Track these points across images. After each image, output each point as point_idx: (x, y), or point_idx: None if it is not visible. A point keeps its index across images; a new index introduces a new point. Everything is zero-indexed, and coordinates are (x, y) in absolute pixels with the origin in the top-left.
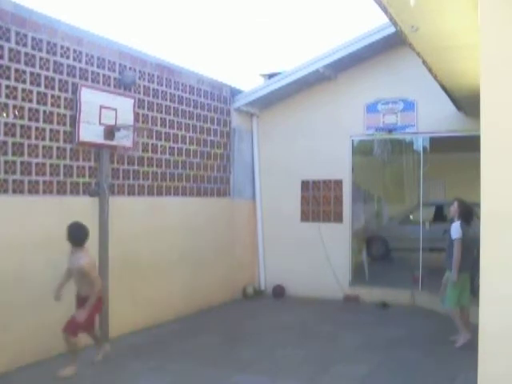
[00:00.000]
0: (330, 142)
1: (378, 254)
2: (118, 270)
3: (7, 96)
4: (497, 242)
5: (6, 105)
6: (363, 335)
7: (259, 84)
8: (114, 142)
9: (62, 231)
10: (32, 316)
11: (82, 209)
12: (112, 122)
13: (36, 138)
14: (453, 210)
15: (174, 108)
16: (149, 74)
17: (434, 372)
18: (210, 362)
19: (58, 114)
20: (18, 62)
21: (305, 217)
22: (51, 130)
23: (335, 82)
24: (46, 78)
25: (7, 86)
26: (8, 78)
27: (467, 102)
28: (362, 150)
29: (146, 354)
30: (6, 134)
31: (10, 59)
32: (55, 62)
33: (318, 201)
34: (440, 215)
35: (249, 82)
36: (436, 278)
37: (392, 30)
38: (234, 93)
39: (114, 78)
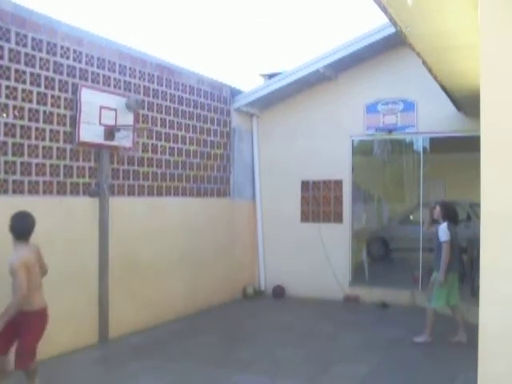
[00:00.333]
0: (330, 142)
1: (377, 254)
2: (117, 270)
3: (7, 96)
4: (497, 242)
5: (6, 105)
6: (363, 335)
7: (259, 84)
8: (114, 143)
9: (62, 232)
10: None
11: (82, 209)
12: (112, 123)
13: (36, 138)
14: (436, 213)
15: (174, 108)
16: (149, 75)
17: (434, 372)
18: (210, 362)
19: (58, 115)
20: (18, 62)
21: (305, 217)
22: (51, 131)
23: (335, 82)
24: (46, 78)
25: (7, 87)
26: (8, 78)
27: (467, 102)
28: (362, 150)
29: (146, 354)
30: (6, 134)
31: (10, 60)
32: (55, 63)
33: (318, 201)
34: None
35: (249, 82)
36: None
37: (392, 30)
38: (234, 93)
39: (114, 79)
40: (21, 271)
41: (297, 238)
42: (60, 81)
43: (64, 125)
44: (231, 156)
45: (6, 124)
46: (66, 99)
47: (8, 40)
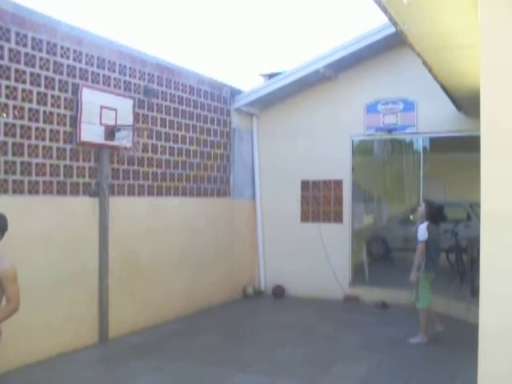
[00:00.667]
0: (329, 142)
1: (377, 254)
2: (117, 270)
3: (7, 96)
4: (497, 242)
5: (6, 105)
6: (363, 335)
7: (259, 84)
8: (114, 142)
9: (62, 232)
10: (32, 316)
11: (82, 209)
12: (112, 122)
13: (36, 138)
14: (420, 211)
15: (174, 108)
16: (149, 74)
17: (434, 372)
18: (210, 362)
19: (58, 115)
20: (18, 62)
21: (305, 217)
22: (51, 131)
23: (335, 82)
24: (46, 78)
25: (7, 87)
26: (8, 78)
27: (467, 102)
28: (362, 150)
29: (146, 354)
30: (6, 134)
31: (10, 59)
32: (55, 63)
33: (318, 201)
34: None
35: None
36: (436, 278)
37: (392, 30)
38: (234, 93)
39: (114, 78)
40: (16, 279)
41: (297, 238)
42: (60, 81)
43: (64, 125)
44: (231, 156)
45: (6, 124)
46: (66, 99)
47: (8, 40)
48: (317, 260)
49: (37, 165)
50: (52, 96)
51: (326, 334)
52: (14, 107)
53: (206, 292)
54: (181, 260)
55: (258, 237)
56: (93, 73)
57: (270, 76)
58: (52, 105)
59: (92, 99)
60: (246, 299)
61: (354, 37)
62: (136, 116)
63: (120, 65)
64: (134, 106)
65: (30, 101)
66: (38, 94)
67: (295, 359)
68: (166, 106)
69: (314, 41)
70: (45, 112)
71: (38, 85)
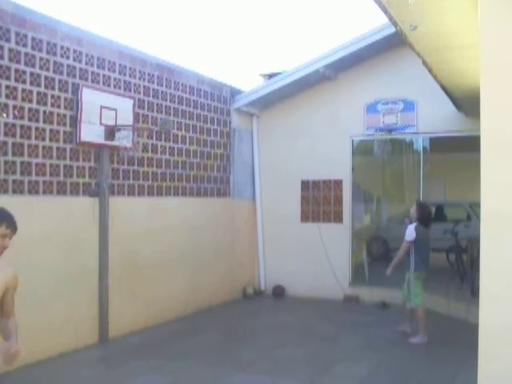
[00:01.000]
0: (330, 142)
1: (378, 253)
2: (117, 270)
3: (7, 96)
4: (497, 242)
5: (6, 105)
6: (363, 335)
7: (259, 84)
8: (114, 142)
9: (62, 232)
10: (32, 316)
11: (82, 209)
12: (112, 122)
13: (36, 138)
14: (412, 212)
15: (173, 108)
16: (149, 74)
17: (434, 372)
18: (210, 362)
19: (58, 115)
20: (18, 62)
21: (305, 217)
22: (51, 131)
23: (335, 82)
24: (46, 78)
25: (7, 86)
26: (8, 78)
27: (467, 102)
28: (362, 150)
29: (146, 354)
30: (5, 134)
31: (10, 59)
32: (55, 63)
33: (318, 201)
34: (440, 215)
35: (249, 82)
36: (436, 278)
37: (392, 30)
38: (234, 93)
39: (114, 78)
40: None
41: (297, 238)
42: (60, 81)
43: (64, 125)
44: (231, 156)
45: (6, 124)
46: (66, 99)
47: (8, 40)
48: (317, 260)
49: (37, 165)
50: (52, 96)
51: (325, 334)
52: (14, 107)
53: (206, 292)
54: (181, 260)
55: (258, 237)
56: (93, 73)
57: (270, 76)
58: (52, 105)
59: (92, 99)
60: (246, 299)
61: (354, 37)
62: (136, 116)
63: (120, 65)
64: (134, 105)
65: (30, 101)
66: (38, 94)
67: (295, 359)
68: (165, 106)
69: (314, 41)
70: (45, 112)
71: (38, 85)
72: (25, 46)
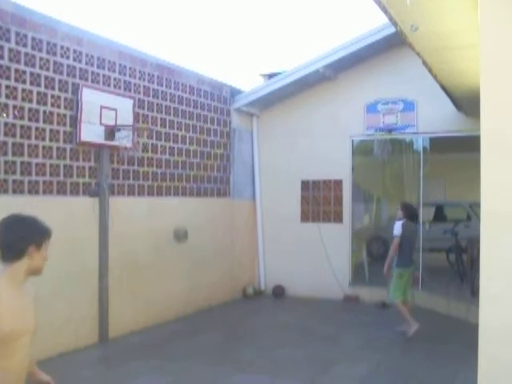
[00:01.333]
0: (330, 142)
1: (378, 253)
2: (117, 270)
3: (7, 96)
4: (497, 242)
5: (6, 105)
6: (363, 335)
7: (259, 84)
8: (114, 142)
9: (62, 231)
10: None
11: (82, 209)
12: (112, 122)
13: (36, 138)
14: (399, 213)
15: (173, 108)
16: (149, 74)
17: (434, 372)
18: (210, 362)
19: (58, 114)
20: (18, 62)
21: (305, 217)
22: (51, 130)
23: (335, 82)
24: (46, 78)
25: (7, 86)
26: (8, 78)
27: (467, 102)
28: (362, 150)
29: (146, 354)
30: (6, 134)
31: (10, 59)
32: (55, 62)
33: (318, 201)
34: (440, 215)
35: (249, 82)
36: (436, 278)
37: (392, 30)
38: (234, 93)
39: (114, 78)
40: None
41: (297, 238)
42: (60, 81)
43: (64, 125)
44: (231, 156)
45: (6, 124)
46: (66, 99)
47: (8, 40)
48: (317, 260)
49: (37, 165)
50: (52, 96)
51: (325, 334)
52: (14, 107)
53: (206, 292)
54: (181, 260)
55: (258, 237)
56: (93, 73)
57: (270, 76)
58: (52, 105)
59: (92, 99)
60: (246, 299)
61: (354, 37)
62: (136, 116)
63: (120, 65)
64: (133, 105)
65: (30, 101)
66: (38, 93)
67: (295, 359)
68: (165, 106)
69: (314, 41)
70: (45, 112)
71: (38, 85)
72: (25, 46)
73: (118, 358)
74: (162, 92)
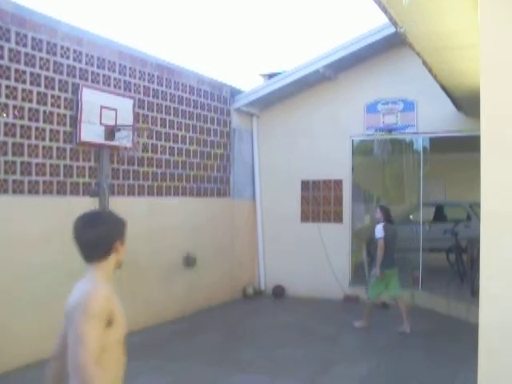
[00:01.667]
0: (329, 142)
1: None
2: (117, 270)
3: (7, 96)
4: (497, 242)
5: (6, 105)
6: (363, 335)
7: (259, 84)
8: (114, 142)
9: (62, 231)
10: (32, 316)
11: (82, 209)
12: (112, 122)
13: (36, 138)
14: (378, 216)
15: (173, 108)
16: (149, 74)
17: (433, 372)
18: (210, 362)
19: (58, 114)
20: (18, 62)
21: (305, 217)
22: (51, 130)
23: (335, 82)
24: (46, 78)
25: (7, 86)
26: (8, 78)
27: (467, 102)
28: (362, 150)
29: (145, 354)
30: (6, 134)
31: (10, 59)
32: (55, 62)
33: (318, 201)
34: (440, 215)
35: (249, 82)
36: (436, 278)
37: (392, 30)
38: (234, 93)
39: (114, 78)
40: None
41: (297, 238)
42: (60, 81)
43: (64, 125)
44: (231, 156)
45: (6, 124)
46: (66, 99)
47: (8, 40)
48: (317, 260)
49: (37, 165)
50: (52, 96)
51: (325, 334)
52: (14, 107)
53: (206, 292)
54: (181, 260)
55: (258, 237)
56: (93, 73)
57: (270, 76)
58: (52, 105)
59: (92, 99)
60: (246, 299)
61: (354, 37)
62: (136, 116)
63: (120, 65)
64: (133, 105)
65: (30, 101)
66: (38, 93)
67: (295, 359)
68: (166, 106)
69: (314, 41)
70: (45, 112)
71: (38, 85)
72: (25, 46)
73: None
74: (162, 92)
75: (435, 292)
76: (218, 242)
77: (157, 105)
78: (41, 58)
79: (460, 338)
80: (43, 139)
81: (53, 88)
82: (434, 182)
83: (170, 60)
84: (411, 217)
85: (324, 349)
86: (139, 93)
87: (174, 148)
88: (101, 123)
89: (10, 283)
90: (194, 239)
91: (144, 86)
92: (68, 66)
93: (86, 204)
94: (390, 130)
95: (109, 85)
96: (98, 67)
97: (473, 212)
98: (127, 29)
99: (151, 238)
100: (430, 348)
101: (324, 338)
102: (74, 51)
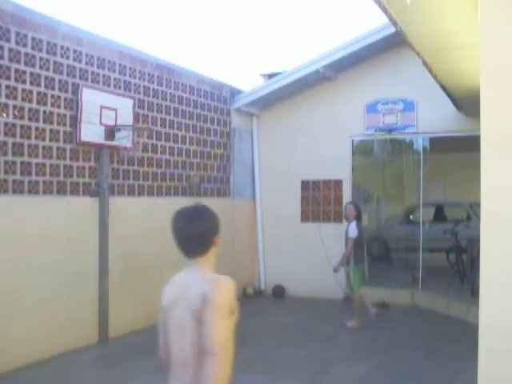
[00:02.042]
0: (329, 142)
1: (377, 254)
2: (117, 269)
3: (7, 96)
4: (497, 242)
5: (6, 105)
6: (363, 335)
7: (259, 84)
8: (114, 142)
9: (62, 231)
10: (32, 316)
11: (82, 209)
12: (112, 122)
13: (36, 138)
14: (350, 212)
15: (173, 108)
16: (149, 74)
17: (433, 372)
18: None
19: (58, 114)
20: (18, 62)
21: (305, 217)
22: (51, 130)
23: (335, 82)
24: (46, 78)
25: (7, 86)
26: (8, 78)
27: (467, 102)
28: (362, 150)
29: (146, 354)
30: (6, 134)
31: (10, 59)
32: (55, 62)
33: (318, 201)
34: (440, 215)
35: (249, 82)
36: (436, 278)
37: (392, 30)
38: (234, 93)
39: (114, 78)
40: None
41: (297, 238)
42: (60, 81)
43: (64, 125)
44: (231, 156)
45: (6, 124)
46: (66, 99)
47: (8, 40)
48: (317, 260)
49: (37, 165)
50: (52, 96)
51: (325, 334)
52: (14, 107)
53: None
54: (181, 260)
55: (258, 237)
56: (93, 73)
57: (270, 76)
58: (52, 105)
59: (92, 99)
60: (245, 299)
61: (354, 37)
62: (136, 116)
63: (120, 65)
64: (133, 105)
65: (30, 101)
66: (38, 94)
67: (295, 359)
68: (166, 106)
69: (314, 41)
70: (45, 112)
71: (38, 85)
72: (25, 46)
73: (117, 358)
74: (162, 92)
75: (435, 292)
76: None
77: (157, 105)
78: (41, 58)
79: (460, 338)
80: (43, 139)
81: (53, 88)
82: (434, 182)
83: (170, 60)
84: (411, 217)
85: (324, 349)
86: (139, 93)
87: (173, 148)
88: (101, 123)
89: (10, 283)
90: None
91: (144, 86)
92: (68, 66)
93: (86, 204)
94: (390, 130)
95: (109, 85)
96: (98, 67)
97: (473, 212)
98: (127, 29)
99: (151, 238)
100: (429, 348)
101: (324, 337)
102: (74, 51)
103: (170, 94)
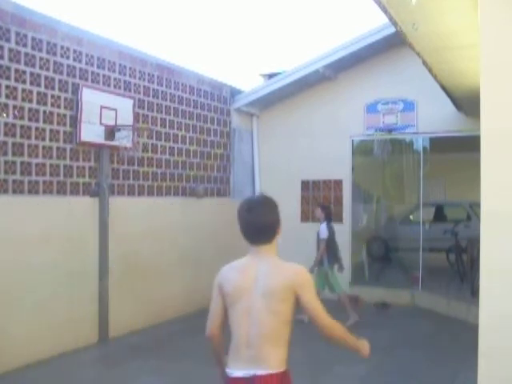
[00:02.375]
0: (329, 142)
1: (377, 254)
2: (117, 269)
3: (7, 96)
4: (497, 242)
5: (6, 105)
6: (363, 335)
7: (259, 84)
8: (114, 142)
9: (62, 231)
10: (32, 316)
11: (82, 209)
12: (112, 122)
13: (36, 138)
14: (318, 213)
15: (173, 108)
16: (149, 74)
17: (433, 372)
18: (210, 362)
19: (58, 114)
20: (18, 62)
21: (305, 217)
22: (51, 130)
23: (335, 82)
24: (46, 78)
25: (7, 86)
26: (8, 78)
27: (467, 102)
28: (362, 150)
29: (146, 354)
30: (6, 134)
31: (10, 59)
32: (55, 62)
33: (318, 201)
34: (440, 215)
35: (249, 82)
36: (436, 278)
37: (392, 29)
38: (234, 93)
39: (114, 78)
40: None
41: (297, 238)
42: (60, 81)
43: (64, 125)
44: (231, 156)
45: (6, 124)
46: (66, 99)
47: (8, 40)
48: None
49: (37, 165)
50: (52, 96)
51: None
52: (14, 107)
53: (206, 292)
54: (181, 260)
55: None
56: (93, 73)
57: (270, 76)
58: (52, 105)
59: (92, 99)
60: None
61: (354, 37)
62: (136, 116)
63: (120, 65)
64: (133, 105)
65: (30, 101)
66: (38, 94)
67: (295, 359)
68: (166, 106)
69: (314, 41)
70: (45, 112)
71: (38, 85)
72: (25, 46)
73: (117, 358)
74: (162, 92)
75: (435, 292)
76: (218, 242)
77: (157, 105)
78: (41, 58)
79: (460, 338)
80: (43, 139)
81: (53, 88)
82: (434, 181)
83: (170, 60)
84: (411, 217)
85: (324, 349)
86: (139, 93)
87: (173, 148)
88: (101, 123)
89: (10, 283)
90: (194, 239)
91: (144, 86)
92: (68, 66)
93: (86, 204)
94: (390, 130)
95: (109, 85)
96: (98, 67)
97: (473, 212)
98: (127, 29)
99: (151, 238)
100: (429, 348)
101: (324, 337)
102: (74, 51)
103: (170, 93)
